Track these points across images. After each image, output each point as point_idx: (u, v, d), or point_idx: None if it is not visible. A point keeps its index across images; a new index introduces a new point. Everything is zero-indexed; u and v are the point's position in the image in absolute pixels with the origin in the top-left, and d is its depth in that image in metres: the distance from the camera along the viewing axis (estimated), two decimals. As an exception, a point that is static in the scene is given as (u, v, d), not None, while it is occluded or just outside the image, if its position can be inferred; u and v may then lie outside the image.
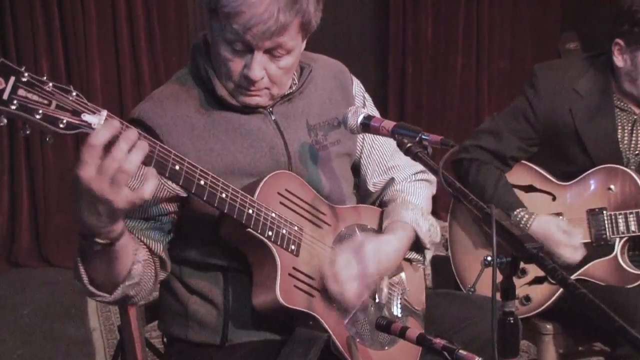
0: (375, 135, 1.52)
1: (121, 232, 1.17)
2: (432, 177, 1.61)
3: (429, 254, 1.56)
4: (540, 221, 1.84)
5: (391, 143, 1.53)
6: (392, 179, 1.59)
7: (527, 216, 1.85)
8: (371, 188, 1.60)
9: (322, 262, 1.38)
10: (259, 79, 1.32)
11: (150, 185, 1.10)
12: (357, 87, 1.57)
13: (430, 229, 1.52)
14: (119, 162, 1.05)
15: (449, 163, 1.92)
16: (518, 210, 1.86)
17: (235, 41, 1.29)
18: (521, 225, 1.83)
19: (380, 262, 1.39)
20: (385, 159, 1.58)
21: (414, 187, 1.59)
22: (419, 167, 1.59)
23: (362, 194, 1.62)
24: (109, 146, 1.06)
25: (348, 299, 1.35)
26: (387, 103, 4.27)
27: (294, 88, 1.44)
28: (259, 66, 1.30)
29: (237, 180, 1.31)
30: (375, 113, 1.52)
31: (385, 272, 1.45)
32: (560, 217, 1.89)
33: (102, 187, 1.06)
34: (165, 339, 1.52)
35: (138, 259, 1.27)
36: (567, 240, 1.83)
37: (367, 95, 1.59)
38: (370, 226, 1.52)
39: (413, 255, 1.55)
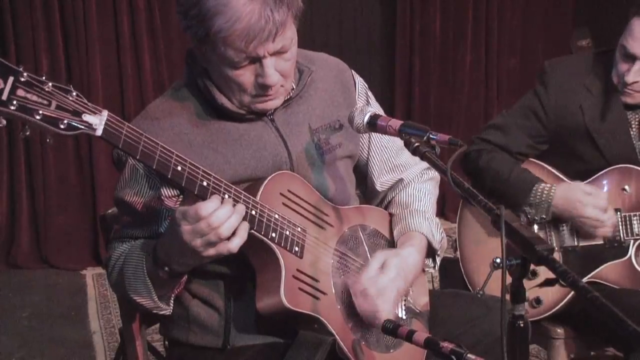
0: (380, 135, 1.49)
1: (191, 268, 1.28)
2: (437, 175, 1.61)
3: (438, 259, 1.55)
4: (562, 189, 1.82)
5: (396, 141, 1.52)
6: (400, 180, 1.58)
7: (548, 187, 1.83)
8: (379, 188, 1.58)
9: (346, 276, 1.38)
10: (276, 82, 1.30)
11: (239, 240, 1.20)
12: (360, 86, 1.55)
13: (442, 237, 1.52)
14: (212, 228, 1.16)
15: (458, 162, 1.90)
16: (538, 184, 1.83)
17: (236, 58, 1.26)
18: (544, 198, 1.81)
19: (406, 277, 1.40)
20: (391, 157, 1.57)
21: (424, 190, 1.58)
22: (424, 163, 1.56)
23: (369, 194, 1.61)
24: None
25: (380, 318, 1.35)
26: (394, 101, 4.24)
27: (292, 94, 1.41)
28: (272, 70, 1.29)
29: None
30: (380, 111, 1.49)
31: (410, 285, 1.45)
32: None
33: (196, 242, 1.18)
34: (166, 342, 1.50)
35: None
36: (593, 200, 1.80)
37: (370, 94, 1.57)
38: (373, 227, 1.51)
39: (426, 261, 1.53)
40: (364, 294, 1.35)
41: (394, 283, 1.36)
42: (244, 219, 1.24)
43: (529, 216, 1.85)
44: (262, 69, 1.27)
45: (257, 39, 1.22)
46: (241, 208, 1.20)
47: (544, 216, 1.84)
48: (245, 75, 1.29)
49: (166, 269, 1.26)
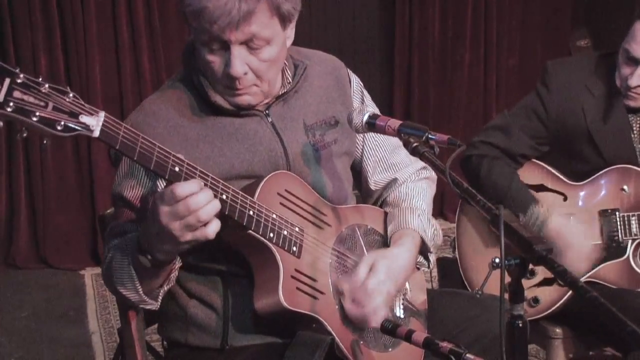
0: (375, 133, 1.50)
1: (174, 261, 1.28)
2: (433, 174, 1.60)
3: (432, 257, 1.55)
4: (557, 221, 1.81)
5: (391, 140, 1.52)
6: (394, 179, 1.57)
7: (543, 214, 1.82)
8: (372, 186, 1.58)
9: (342, 280, 1.38)
10: (240, 74, 1.29)
11: (214, 226, 1.17)
12: (355, 83, 1.55)
13: (434, 233, 1.52)
14: (191, 211, 1.15)
15: (457, 162, 1.90)
16: (533, 206, 1.83)
17: (209, 40, 1.27)
18: (537, 222, 1.81)
19: (396, 278, 1.39)
20: (386, 156, 1.57)
21: (417, 189, 1.57)
22: (420, 163, 1.57)
23: (363, 193, 1.61)
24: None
25: (371, 322, 1.35)
26: (392, 101, 4.23)
27: (288, 87, 1.41)
28: (238, 61, 1.28)
29: (235, 185, 1.29)
30: (375, 109, 1.50)
31: (401, 287, 1.44)
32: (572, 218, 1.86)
33: (174, 225, 1.16)
34: (165, 343, 1.50)
35: (176, 266, 1.33)
36: (579, 244, 1.80)
37: (365, 92, 1.57)
38: (370, 226, 1.51)
39: (419, 259, 1.53)
40: (353, 298, 1.34)
41: (383, 286, 1.35)
42: (242, 219, 1.25)
43: None
44: (229, 57, 1.27)
45: (220, 21, 1.23)
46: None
47: None
48: (217, 62, 1.29)
49: (148, 256, 1.24)
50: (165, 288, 1.34)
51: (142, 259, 1.25)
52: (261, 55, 1.29)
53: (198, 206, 1.15)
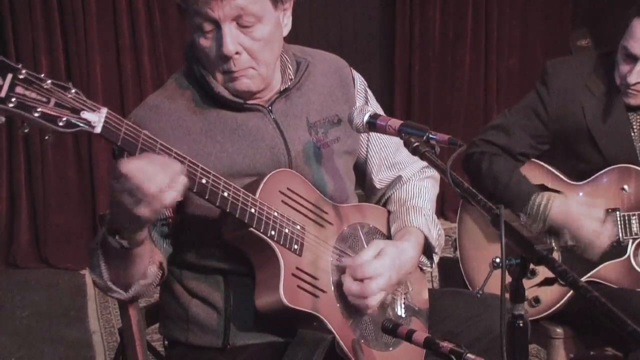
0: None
1: (142, 240, 1.22)
2: (437, 173, 1.60)
3: (436, 258, 1.55)
4: (559, 203, 1.81)
5: (395, 138, 1.51)
6: (399, 177, 1.57)
7: (545, 201, 1.82)
8: (377, 185, 1.58)
9: (348, 258, 1.37)
10: (232, 52, 1.29)
11: (173, 193, 1.12)
12: (359, 82, 1.55)
13: (439, 233, 1.52)
14: (137, 184, 1.09)
15: (458, 162, 1.90)
16: (535, 196, 1.83)
17: (200, 23, 1.28)
18: (541, 210, 1.80)
19: (399, 269, 1.39)
20: (390, 154, 1.57)
21: (422, 188, 1.57)
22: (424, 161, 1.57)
23: (368, 191, 1.61)
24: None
25: (370, 306, 1.34)
26: (393, 101, 4.24)
27: (290, 83, 1.42)
28: (230, 39, 1.28)
29: (237, 182, 1.29)
30: (379, 109, 1.50)
31: (403, 278, 1.44)
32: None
33: (125, 200, 1.11)
34: (166, 342, 1.50)
35: (154, 260, 1.31)
36: (589, 212, 1.80)
37: (369, 92, 1.58)
38: (372, 225, 1.50)
39: (422, 259, 1.53)
40: (354, 275, 1.34)
41: (386, 271, 1.35)
42: (244, 217, 1.24)
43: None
44: (221, 37, 1.28)
45: None
46: (177, 165, 1.12)
47: (539, 226, 1.83)
48: (211, 48, 1.30)
49: (117, 237, 1.20)
50: (142, 283, 1.30)
51: (111, 240, 1.20)
52: (253, 34, 1.30)
53: (144, 178, 1.08)
